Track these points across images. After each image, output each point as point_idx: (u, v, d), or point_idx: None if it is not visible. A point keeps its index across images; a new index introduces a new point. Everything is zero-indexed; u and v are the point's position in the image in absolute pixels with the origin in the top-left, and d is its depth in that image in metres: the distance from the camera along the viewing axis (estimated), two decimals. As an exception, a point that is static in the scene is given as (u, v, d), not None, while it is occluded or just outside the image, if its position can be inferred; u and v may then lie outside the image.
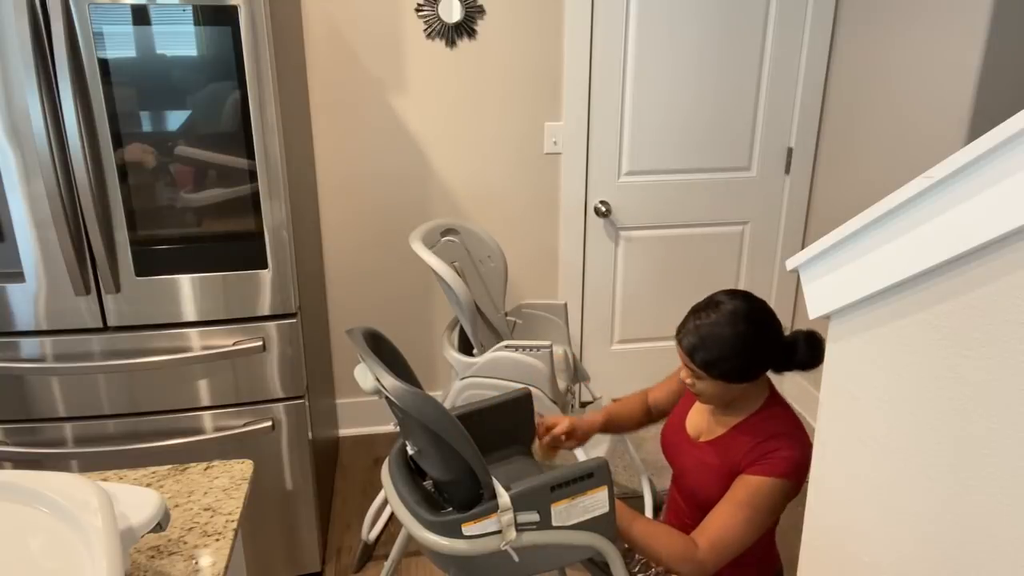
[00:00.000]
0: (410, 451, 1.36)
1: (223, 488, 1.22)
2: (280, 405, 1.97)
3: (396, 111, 2.66)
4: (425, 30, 2.58)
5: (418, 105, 2.67)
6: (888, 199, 0.89)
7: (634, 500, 2.51)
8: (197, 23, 1.66)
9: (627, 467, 2.73)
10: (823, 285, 1.04)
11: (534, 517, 1.28)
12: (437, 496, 1.37)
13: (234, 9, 1.66)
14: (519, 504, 1.27)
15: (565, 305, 2.32)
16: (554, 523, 1.30)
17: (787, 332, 1.51)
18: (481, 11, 2.59)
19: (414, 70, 2.62)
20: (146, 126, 1.72)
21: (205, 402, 1.93)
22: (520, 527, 1.28)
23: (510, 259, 2.92)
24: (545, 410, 2.02)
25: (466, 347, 2.20)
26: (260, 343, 1.90)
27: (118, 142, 1.71)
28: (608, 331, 3.09)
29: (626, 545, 1.71)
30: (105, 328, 1.84)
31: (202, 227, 1.81)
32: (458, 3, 2.56)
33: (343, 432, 3.02)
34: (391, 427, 3.05)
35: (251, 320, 1.90)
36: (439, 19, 2.57)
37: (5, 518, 0.90)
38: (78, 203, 1.72)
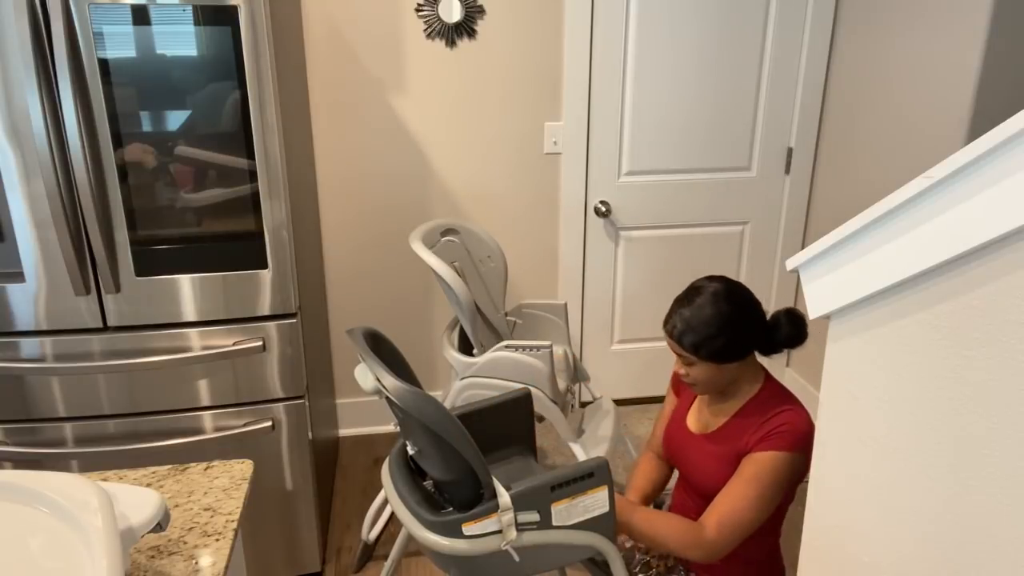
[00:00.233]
0: (410, 451, 1.36)
1: (223, 488, 1.22)
2: (280, 405, 1.97)
3: (396, 111, 2.66)
4: (425, 30, 2.58)
5: (418, 105, 2.67)
6: (888, 199, 0.89)
7: (634, 500, 2.51)
8: (197, 23, 1.66)
9: (627, 467, 2.73)
10: (823, 285, 1.04)
11: (534, 517, 1.28)
12: (437, 496, 1.37)
13: (234, 9, 1.66)
14: (519, 504, 1.27)
15: (565, 305, 2.32)
16: (554, 523, 1.30)
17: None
18: (481, 11, 2.59)
19: (414, 70, 2.62)
20: (146, 126, 1.72)
21: (205, 402, 1.93)
22: (520, 527, 1.28)
23: (510, 259, 2.92)
24: (545, 410, 2.02)
25: (466, 347, 2.20)
26: (260, 343, 1.90)
27: (118, 142, 1.71)
28: (608, 331, 3.09)
29: (628, 543, 1.71)
30: (105, 328, 1.84)
31: (202, 227, 1.81)
32: (458, 3, 2.56)
33: (343, 432, 3.02)
34: (391, 427, 3.05)
35: (251, 320, 1.90)
36: (439, 19, 2.57)
37: (5, 518, 0.90)
38: (78, 203, 1.72)
